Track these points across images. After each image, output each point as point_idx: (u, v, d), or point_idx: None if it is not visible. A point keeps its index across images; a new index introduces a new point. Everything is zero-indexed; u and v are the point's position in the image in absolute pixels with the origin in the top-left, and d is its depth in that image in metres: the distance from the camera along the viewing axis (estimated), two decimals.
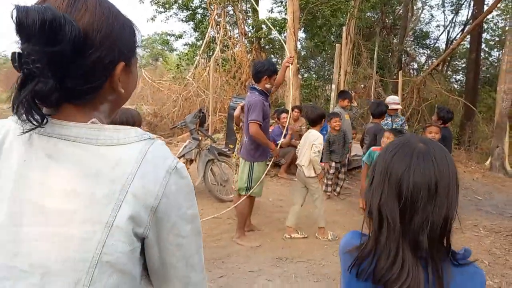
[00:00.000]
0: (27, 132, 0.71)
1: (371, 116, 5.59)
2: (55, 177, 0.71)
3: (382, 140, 4.08)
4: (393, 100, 5.82)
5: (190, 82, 11.54)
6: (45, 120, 0.70)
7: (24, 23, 0.64)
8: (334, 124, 5.51)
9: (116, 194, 0.71)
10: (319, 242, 4.16)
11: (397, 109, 5.77)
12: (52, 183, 0.71)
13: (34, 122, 0.69)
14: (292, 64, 4.32)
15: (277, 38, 14.75)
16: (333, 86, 7.56)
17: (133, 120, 2.27)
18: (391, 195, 0.92)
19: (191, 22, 14.87)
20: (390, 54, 14.97)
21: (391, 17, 15.45)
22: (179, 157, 5.21)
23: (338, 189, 5.92)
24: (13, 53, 0.67)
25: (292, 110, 7.90)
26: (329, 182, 5.83)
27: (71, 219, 0.70)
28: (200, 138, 5.36)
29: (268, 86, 3.91)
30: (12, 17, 0.65)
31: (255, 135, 3.79)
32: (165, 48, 25.04)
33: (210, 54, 13.03)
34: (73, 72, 0.71)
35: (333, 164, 5.75)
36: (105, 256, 0.70)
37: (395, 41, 15.39)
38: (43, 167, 0.71)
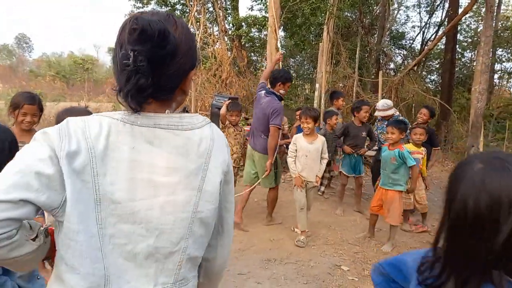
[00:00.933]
0: (130, 124, 0.91)
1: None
2: (158, 158, 0.92)
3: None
4: (387, 106, 5.41)
5: None
6: (138, 110, 0.91)
7: (148, 31, 0.84)
8: (334, 122, 5.54)
9: (202, 165, 0.97)
10: (306, 243, 4.15)
11: (392, 115, 5.33)
12: (156, 162, 0.92)
13: (137, 108, 0.90)
14: (280, 60, 4.71)
15: (257, 36, 14.74)
16: (317, 85, 7.57)
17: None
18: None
19: None
20: (368, 53, 15.18)
21: (368, 17, 15.68)
22: None
23: (322, 188, 5.95)
24: (123, 53, 0.85)
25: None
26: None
27: (176, 189, 0.94)
28: None
29: (282, 91, 4.36)
30: (128, 25, 0.86)
31: (273, 138, 4.21)
32: None
33: None
34: (165, 73, 0.91)
35: None
36: (198, 213, 0.98)
37: (372, 40, 15.63)
38: (148, 151, 0.92)
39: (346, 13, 13.98)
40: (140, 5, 13.74)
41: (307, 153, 4.06)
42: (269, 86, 4.43)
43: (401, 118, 5.29)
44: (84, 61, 24.54)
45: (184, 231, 0.96)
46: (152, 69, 0.87)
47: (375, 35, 16.17)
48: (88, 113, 1.93)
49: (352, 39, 14.54)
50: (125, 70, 0.86)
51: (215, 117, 7.77)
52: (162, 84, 0.92)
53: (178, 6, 14.53)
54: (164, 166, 0.93)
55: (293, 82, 15.21)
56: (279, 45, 8.72)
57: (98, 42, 69.04)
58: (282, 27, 13.92)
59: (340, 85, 12.69)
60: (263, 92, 4.43)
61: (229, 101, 4.97)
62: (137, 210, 0.90)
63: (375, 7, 16.22)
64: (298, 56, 15.88)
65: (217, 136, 1.02)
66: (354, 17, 15.05)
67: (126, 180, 0.89)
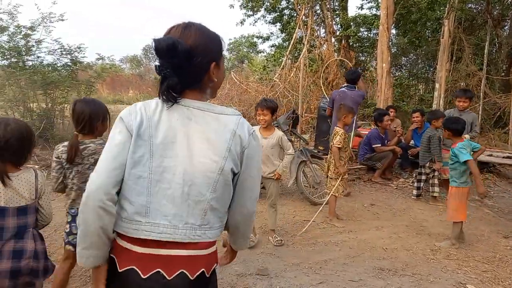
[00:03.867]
0: (173, 104, 1.25)
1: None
2: (195, 130, 1.24)
3: None
4: None
5: (276, 83, 11.60)
6: (176, 100, 1.24)
7: (159, 47, 1.18)
8: (439, 124, 5.20)
9: (228, 140, 1.25)
10: (422, 255, 3.82)
11: None
12: (193, 132, 1.24)
13: (172, 100, 1.24)
14: None
15: (366, 35, 14.17)
16: (436, 85, 6.93)
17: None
18: None
19: (278, 24, 14.97)
20: (497, 48, 13.37)
21: (498, 7, 13.79)
22: None
23: (415, 192, 5.62)
24: (155, 66, 1.24)
25: (387, 110, 7.48)
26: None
27: (207, 154, 1.23)
28: (293, 139, 5.30)
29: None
30: (152, 45, 1.20)
31: None
32: (251, 51, 25.62)
33: (296, 55, 12.97)
34: (188, 72, 1.23)
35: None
36: (223, 175, 1.25)
37: (503, 33, 13.70)
38: (187, 124, 1.25)
39: (469, 4, 12.56)
40: (251, 12, 14.34)
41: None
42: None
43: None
44: None
45: (210, 186, 1.24)
46: (176, 73, 1.20)
47: (506, 27, 14.14)
48: (99, 103, 2.50)
49: (476, 33, 12.98)
50: (159, 77, 1.24)
51: (322, 119, 7.68)
52: (188, 80, 1.25)
53: (286, 11, 14.79)
54: (199, 136, 1.24)
55: (405, 82, 14.28)
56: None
57: None
58: (394, 24, 13.15)
59: (462, 84, 11.42)
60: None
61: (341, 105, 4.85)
62: (177, 164, 1.22)
63: None
64: (412, 54, 14.77)
65: (241, 124, 1.29)
66: (480, 8, 13.40)
67: (172, 142, 1.23)
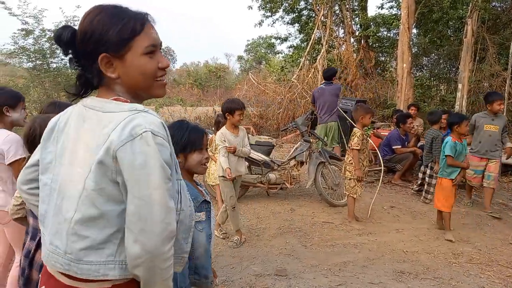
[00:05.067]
0: (77, 103, 1.14)
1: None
2: (83, 133, 1.06)
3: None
4: None
5: (294, 84, 11.57)
6: (81, 96, 1.14)
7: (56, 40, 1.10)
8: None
9: (99, 147, 1.00)
10: (444, 258, 3.75)
11: None
12: (82, 136, 1.06)
13: (78, 97, 1.14)
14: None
15: (386, 35, 13.98)
16: (459, 86, 6.78)
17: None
18: None
19: (297, 24, 14.94)
20: None
21: None
22: (290, 159, 5.21)
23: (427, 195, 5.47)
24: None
25: (408, 108, 7.37)
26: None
27: (81, 162, 1.03)
28: (311, 140, 5.28)
29: None
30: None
31: None
32: (269, 52, 25.65)
33: (314, 55, 12.90)
34: (82, 65, 1.11)
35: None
36: (86, 190, 1.00)
37: None
38: (80, 127, 1.07)
39: (494, 3, 12.24)
40: (269, 13, 14.35)
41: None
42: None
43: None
44: (217, 69, 26.87)
45: (74, 202, 1.02)
46: (80, 66, 1.11)
47: None
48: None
49: (500, 32, 12.62)
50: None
51: (341, 120, 7.63)
52: (87, 75, 1.11)
53: (305, 12, 14.75)
54: (84, 140, 1.05)
55: (426, 82, 14.01)
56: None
57: (229, 51, 74.43)
58: (414, 23, 12.94)
59: (486, 84, 11.14)
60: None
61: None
62: (61, 173, 1.09)
63: None
64: (433, 54, 14.48)
65: (125, 123, 1.00)
66: (504, 6, 13.04)
67: (65, 148, 1.09)
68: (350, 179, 4.45)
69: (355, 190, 4.43)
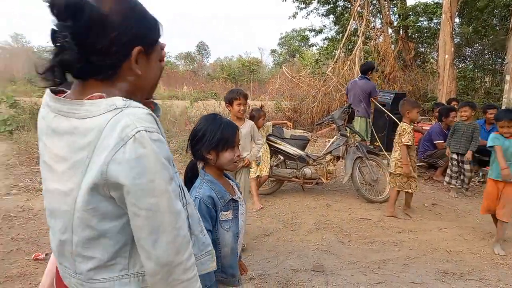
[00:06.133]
0: (48, 108, 0.93)
1: None
2: (56, 145, 0.90)
3: None
4: None
5: (329, 77, 11.36)
6: (59, 83, 0.89)
7: (55, 4, 0.82)
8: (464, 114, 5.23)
9: (83, 160, 0.84)
10: (491, 259, 3.56)
11: None
12: (54, 149, 0.91)
13: (50, 83, 0.88)
14: None
15: (427, 25, 13.42)
16: (507, 77, 6.40)
17: None
18: None
19: (332, 16, 14.64)
20: None
21: None
22: (326, 154, 5.12)
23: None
24: (51, 31, 0.84)
25: (449, 103, 7.06)
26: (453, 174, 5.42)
27: (61, 178, 0.89)
28: (348, 134, 5.16)
29: None
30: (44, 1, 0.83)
31: None
32: (302, 44, 25.34)
33: (350, 47, 12.60)
34: (95, 48, 0.86)
35: (454, 155, 5.34)
36: (78, 211, 0.87)
37: None
38: (51, 136, 0.91)
39: None
40: (303, 5, 14.14)
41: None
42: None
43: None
44: (250, 63, 26.88)
45: (67, 224, 0.91)
46: (77, 44, 0.84)
47: None
48: None
49: None
50: (54, 48, 0.86)
51: (378, 114, 7.41)
52: (94, 60, 0.86)
53: (340, 3, 14.42)
54: (58, 154, 0.90)
55: (470, 74, 13.34)
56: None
57: (262, 45, 74.35)
58: (457, 12, 12.32)
59: None
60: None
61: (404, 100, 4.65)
62: (46, 189, 0.97)
63: None
64: (477, 44, 13.76)
65: (111, 125, 0.83)
66: None
67: (43, 161, 0.97)
68: (398, 174, 4.37)
69: (409, 185, 4.39)
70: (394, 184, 4.46)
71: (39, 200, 4.61)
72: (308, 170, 5.01)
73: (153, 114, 0.90)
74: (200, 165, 1.79)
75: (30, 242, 3.53)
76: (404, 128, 4.32)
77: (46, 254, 3.20)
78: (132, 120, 0.84)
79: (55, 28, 0.84)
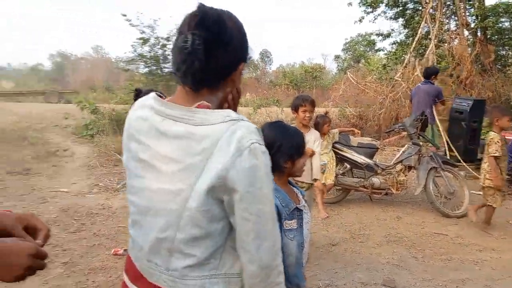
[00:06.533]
0: (152, 110, 1.01)
1: None
2: (164, 147, 0.96)
3: None
4: None
5: (398, 83, 10.86)
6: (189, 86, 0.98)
7: (207, 17, 0.93)
8: None
9: (198, 164, 0.90)
10: None
11: None
12: (162, 150, 0.96)
13: (188, 86, 0.97)
14: None
15: (508, 26, 12.32)
16: None
17: None
18: None
19: (401, 19, 14.03)
20: None
21: None
22: (396, 163, 4.89)
23: None
24: (184, 36, 0.92)
25: None
26: None
27: (172, 179, 0.94)
28: (421, 143, 4.88)
29: None
30: (190, 14, 0.96)
31: None
32: (368, 49, 24.59)
33: (421, 51, 11.96)
34: (218, 59, 0.95)
35: None
36: (188, 210, 0.91)
37: None
38: (156, 138, 0.98)
39: None
40: (370, 9, 13.74)
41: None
42: None
43: None
44: (313, 69, 26.61)
45: (172, 221, 0.95)
46: (207, 55, 0.91)
47: None
48: None
49: None
50: (182, 53, 0.92)
51: (454, 122, 6.93)
52: (214, 71, 0.96)
53: (410, 5, 13.76)
54: (165, 155, 0.95)
55: None
56: None
57: (326, 51, 73.45)
58: None
59: None
60: None
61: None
62: (144, 187, 1.01)
63: None
64: None
65: (228, 136, 0.90)
66: None
67: (140, 160, 1.01)
68: (487, 187, 4.07)
69: (495, 199, 4.06)
70: (488, 199, 4.12)
71: (117, 199, 4.96)
72: (376, 180, 4.82)
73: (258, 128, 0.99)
74: None
75: (110, 238, 3.80)
76: (492, 138, 4.00)
77: (124, 250, 3.42)
78: (246, 133, 0.92)
79: (190, 36, 0.92)
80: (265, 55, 37.69)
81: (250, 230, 0.93)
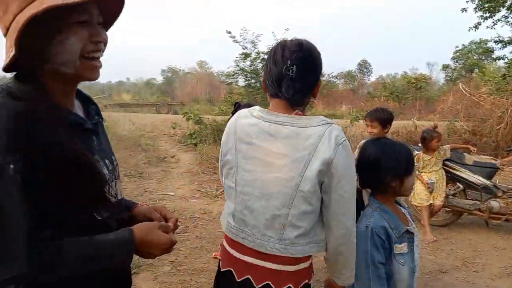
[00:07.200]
0: (259, 119, 1.31)
1: None
2: (274, 146, 1.26)
3: None
4: None
5: None
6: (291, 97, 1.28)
7: (303, 51, 1.27)
8: None
9: (306, 156, 1.22)
10: None
11: None
12: (273, 148, 1.26)
13: (285, 99, 1.28)
14: None
15: None
16: None
17: None
18: None
19: None
20: None
21: None
22: None
23: None
24: (288, 66, 1.23)
25: None
26: None
27: (283, 169, 1.24)
28: None
29: None
30: (288, 47, 1.29)
31: None
32: (483, 58, 22.13)
33: None
34: (307, 81, 1.29)
35: None
36: (300, 191, 1.23)
37: None
38: (267, 140, 1.27)
39: None
40: (488, 14, 12.38)
41: None
42: None
43: None
44: (417, 80, 24.82)
45: (286, 201, 1.25)
46: (302, 79, 1.25)
47: None
48: None
49: None
50: (285, 78, 1.24)
51: None
52: (306, 88, 1.29)
53: None
54: (277, 152, 1.25)
55: None
56: None
57: (432, 60, 68.11)
58: None
59: None
60: None
61: None
62: (256, 178, 1.29)
63: None
64: None
65: (327, 135, 1.22)
66: None
67: (251, 158, 1.30)
68: None
69: None
70: None
71: (216, 205, 5.21)
72: (495, 203, 4.24)
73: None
74: (366, 191, 1.69)
75: (210, 242, 3.99)
76: None
77: None
78: (339, 132, 1.25)
79: (294, 68, 1.23)
80: (364, 66, 36.51)
81: (344, 204, 1.25)
